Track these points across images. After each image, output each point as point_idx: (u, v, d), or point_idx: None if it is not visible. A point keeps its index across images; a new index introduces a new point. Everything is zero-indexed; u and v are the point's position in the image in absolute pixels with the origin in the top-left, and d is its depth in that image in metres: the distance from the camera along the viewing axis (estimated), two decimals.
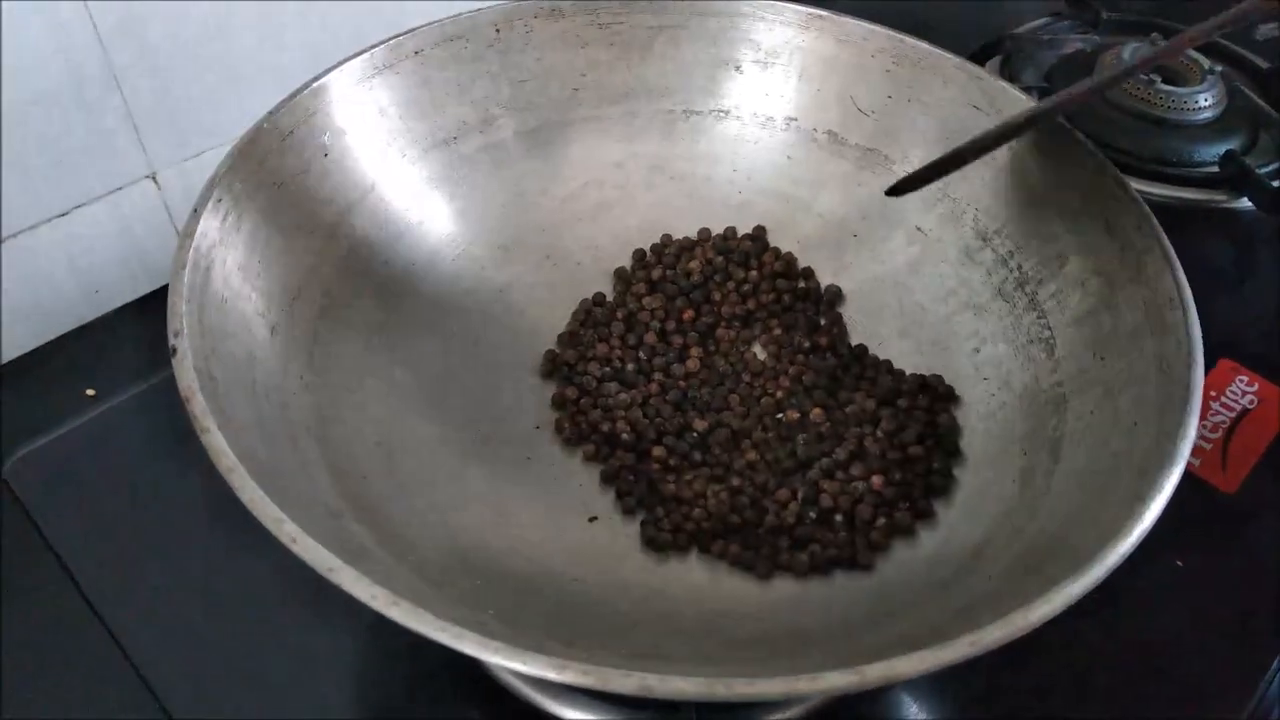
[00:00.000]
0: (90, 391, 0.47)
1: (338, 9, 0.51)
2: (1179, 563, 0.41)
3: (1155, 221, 0.35)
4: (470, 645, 0.23)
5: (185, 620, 0.38)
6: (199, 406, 0.27)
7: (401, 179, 0.41)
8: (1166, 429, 0.30)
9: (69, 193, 0.47)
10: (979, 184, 0.42)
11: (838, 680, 0.23)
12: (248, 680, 0.36)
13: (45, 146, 0.45)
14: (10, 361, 0.48)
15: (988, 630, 0.24)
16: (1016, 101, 0.41)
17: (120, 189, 0.49)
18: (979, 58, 0.62)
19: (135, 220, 0.51)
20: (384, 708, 0.36)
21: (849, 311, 0.44)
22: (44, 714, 0.35)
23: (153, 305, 0.52)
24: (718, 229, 0.46)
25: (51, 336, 0.50)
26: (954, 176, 0.42)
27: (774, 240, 0.46)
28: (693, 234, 0.46)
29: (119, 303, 0.51)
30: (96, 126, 0.47)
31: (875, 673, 0.23)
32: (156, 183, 0.50)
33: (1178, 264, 0.34)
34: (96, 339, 0.50)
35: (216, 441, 0.26)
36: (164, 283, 0.52)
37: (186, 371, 0.28)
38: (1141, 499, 0.28)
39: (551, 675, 0.23)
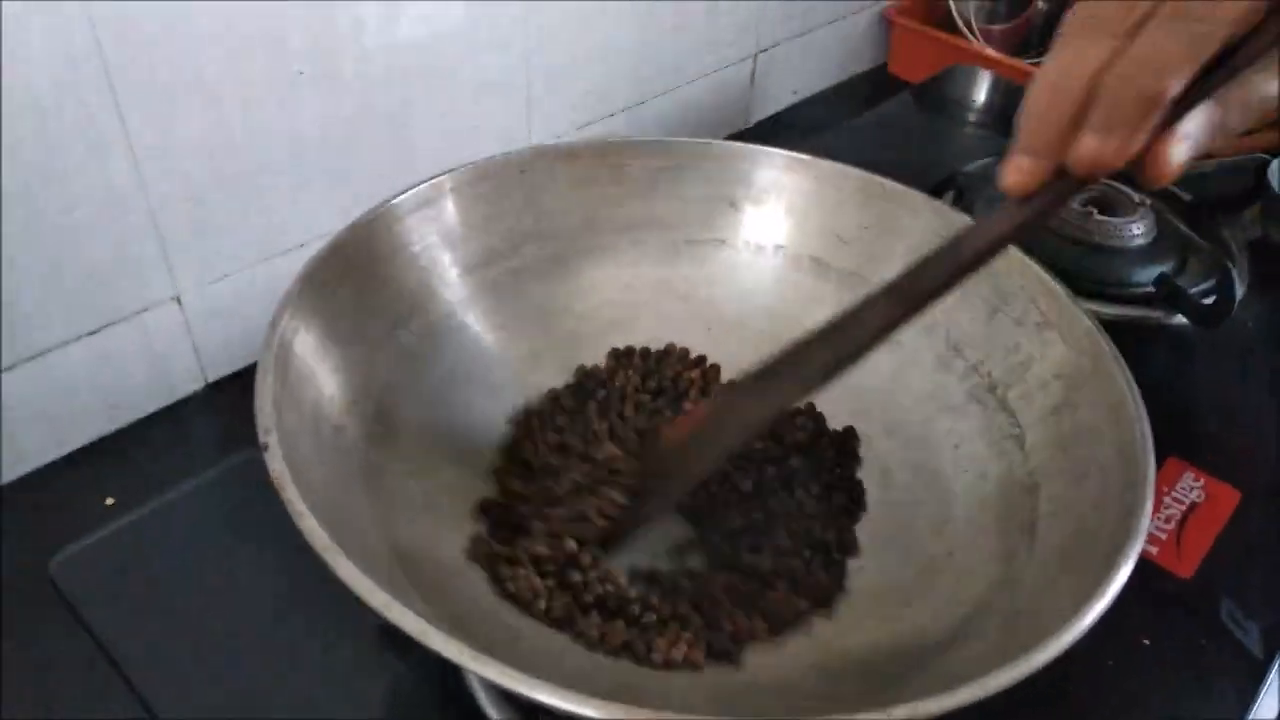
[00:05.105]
0: (109, 500, 0.50)
1: (358, 156, 0.56)
2: (1145, 640, 0.45)
3: (1103, 330, 0.41)
4: (524, 686, 0.26)
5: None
6: (292, 493, 0.30)
7: (443, 298, 0.46)
8: (1128, 505, 0.34)
9: (100, 312, 0.50)
10: (949, 301, 0.47)
11: None
12: None
13: (80, 267, 0.48)
14: (33, 471, 0.51)
15: (990, 678, 0.28)
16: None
17: (146, 309, 0.52)
18: (935, 192, 0.69)
19: (157, 338, 0.53)
20: None
21: (840, 412, 0.49)
22: None
23: (169, 419, 0.55)
24: (719, 343, 0.51)
25: (71, 448, 0.52)
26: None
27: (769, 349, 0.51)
28: (696, 347, 0.51)
29: (134, 417, 0.54)
30: (129, 250, 0.49)
31: (900, 714, 0.27)
32: (180, 304, 0.53)
33: (1124, 365, 0.39)
34: (116, 450, 0.53)
35: (310, 525, 0.29)
36: (179, 398, 0.55)
37: (278, 462, 0.31)
38: (1108, 569, 0.32)
39: (590, 712, 0.26)
